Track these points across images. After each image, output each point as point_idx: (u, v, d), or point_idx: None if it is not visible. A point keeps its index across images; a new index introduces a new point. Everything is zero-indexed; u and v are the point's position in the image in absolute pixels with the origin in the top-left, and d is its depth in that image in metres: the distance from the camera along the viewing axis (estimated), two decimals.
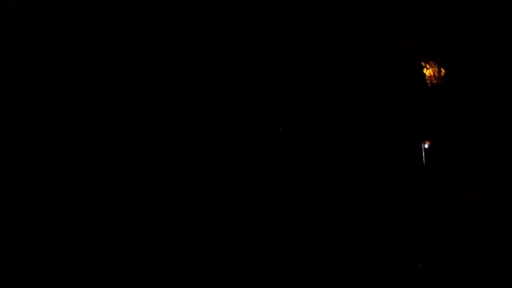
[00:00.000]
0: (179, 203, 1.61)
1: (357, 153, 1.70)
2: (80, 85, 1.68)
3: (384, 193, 1.66)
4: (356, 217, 1.64)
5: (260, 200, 1.63)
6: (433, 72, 1.62)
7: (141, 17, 1.74)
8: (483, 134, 1.66)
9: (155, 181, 1.63)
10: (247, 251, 1.58)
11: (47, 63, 1.69)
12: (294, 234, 1.61)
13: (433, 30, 1.77)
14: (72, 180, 1.60)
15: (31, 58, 1.68)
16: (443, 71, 1.50)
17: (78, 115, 1.66)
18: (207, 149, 1.67)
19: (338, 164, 1.69)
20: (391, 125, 1.72)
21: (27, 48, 1.69)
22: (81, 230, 1.56)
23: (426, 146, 1.62)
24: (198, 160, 1.66)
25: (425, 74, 1.62)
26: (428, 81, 1.58)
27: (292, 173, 1.67)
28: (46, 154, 1.61)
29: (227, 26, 1.77)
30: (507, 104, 1.67)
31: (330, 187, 1.66)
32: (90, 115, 1.66)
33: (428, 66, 1.61)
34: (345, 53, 1.79)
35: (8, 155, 1.59)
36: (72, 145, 1.63)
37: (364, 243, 1.61)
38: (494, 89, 1.70)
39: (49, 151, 1.61)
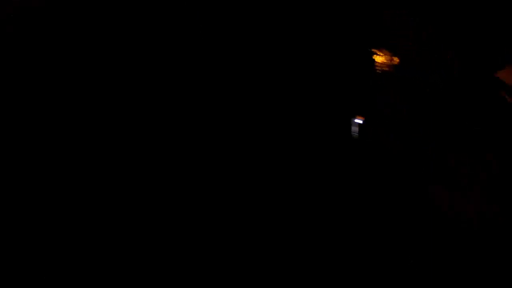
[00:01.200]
0: (179, 203, 1.61)
1: (357, 152, 1.70)
2: (80, 84, 1.69)
3: (384, 193, 1.67)
4: (356, 217, 1.64)
5: (259, 200, 1.63)
6: (385, 59, 1.62)
7: (141, 17, 1.75)
8: (483, 134, 1.66)
9: (154, 180, 1.63)
10: (245, 250, 1.58)
11: (47, 63, 1.69)
12: (294, 233, 1.61)
13: (433, 30, 1.77)
14: (72, 179, 1.60)
15: (31, 58, 1.68)
16: (396, 59, 1.50)
17: (77, 115, 1.66)
18: (206, 148, 1.67)
19: (339, 163, 1.69)
20: (391, 125, 1.72)
21: (27, 48, 1.69)
22: (81, 230, 1.56)
23: (360, 121, 1.56)
24: (197, 159, 1.66)
25: (375, 61, 1.61)
26: (378, 68, 1.58)
27: (292, 172, 1.67)
28: (47, 153, 1.61)
29: (227, 26, 1.77)
30: (507, 104, 1.67)
31: (331, 187, 1.66)
32: (89, 114, 1.66)
33: (380, 54, 1.61)
34: (345, 53, 1.79)
35: (9, 155, 1.59)
36: (73, 144, 1.63)
37: (364, 243, 1.61)
38: (494, 89, 1.70)
39: (50, 150, 1.62)
